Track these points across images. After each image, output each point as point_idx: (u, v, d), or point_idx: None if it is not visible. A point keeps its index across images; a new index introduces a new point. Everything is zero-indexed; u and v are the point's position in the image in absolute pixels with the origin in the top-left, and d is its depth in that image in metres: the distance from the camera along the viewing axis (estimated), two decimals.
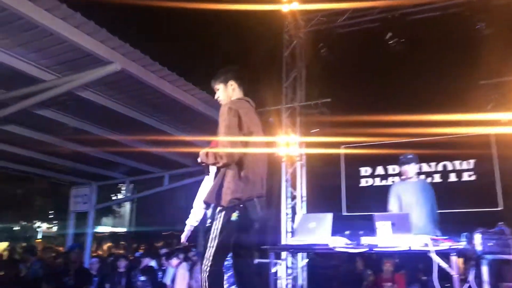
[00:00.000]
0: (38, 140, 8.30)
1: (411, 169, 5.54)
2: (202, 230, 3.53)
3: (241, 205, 3.13)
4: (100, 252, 19.10)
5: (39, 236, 23.99)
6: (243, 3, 7.72)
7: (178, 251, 9.65)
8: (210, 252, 3.07)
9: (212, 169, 3.47)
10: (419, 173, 7.84)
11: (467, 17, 7.07)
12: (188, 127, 8.42)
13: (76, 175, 11.36)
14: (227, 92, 3.46)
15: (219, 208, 3.15)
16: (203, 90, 7.19)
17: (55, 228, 23.50)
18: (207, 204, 3.44)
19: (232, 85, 3.45)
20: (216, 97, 3.47)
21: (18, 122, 7.51)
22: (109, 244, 19.69)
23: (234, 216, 3.12)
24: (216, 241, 3.07)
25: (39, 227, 23.08)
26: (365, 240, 4.69)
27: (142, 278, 8.17)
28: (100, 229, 24.09)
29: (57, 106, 7.02)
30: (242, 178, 3.18)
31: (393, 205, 5.53)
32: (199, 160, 3.28)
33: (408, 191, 5.46)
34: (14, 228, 21.70)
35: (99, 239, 20.76)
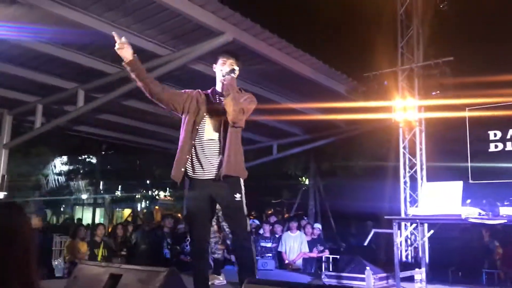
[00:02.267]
0: (154, 113, 8.71)
1: None
2: (228, 204, 3.34)
3: None
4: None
5: (157, 204, 25.90)
6: None
7: (291, 219, 9.75)
8: (249, 223, 3.40)
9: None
10: None
11: None
12: (296, 95, 8.31)
13: None
14: None
15: (242, 181, 3.30)
16: (313, 55, 6.98)
17: (172, 197, 25.12)
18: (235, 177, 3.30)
19: None
20: (235, 73, 3.41)
21: (138, 96, 7.92)
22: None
23: None
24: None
25: (158, 195, 24.82)
26: (504, 210, 4.25)
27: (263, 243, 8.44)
28: None
29: (172, 80, 7.25)
30: None
31: None
32: (234, 118, 3.20)
33: None
34: (136, 196, 23.57)
35: None
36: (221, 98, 3.37)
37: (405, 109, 7.48)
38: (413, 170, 7.61)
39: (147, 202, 24.06)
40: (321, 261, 8.71)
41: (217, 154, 3.29)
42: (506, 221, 4.19)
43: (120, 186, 25.03)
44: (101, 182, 24.71)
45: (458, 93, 7.22)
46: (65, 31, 5.58)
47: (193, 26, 5.71)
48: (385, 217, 4.82)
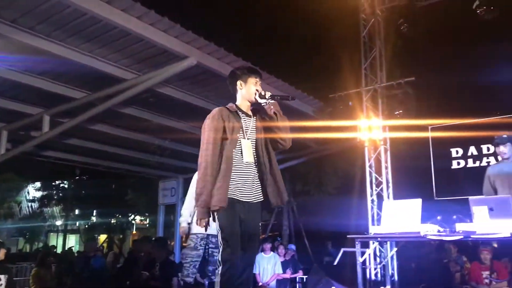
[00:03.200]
0: (124, 137, 8.70)
1: (506, 150, 5.07)
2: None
3: None
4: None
5: (134, 228, 25.50)
6: None
7: (265, 240, 9.71)
8: None
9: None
10: None
11: None
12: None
13: (163, 169, 11.80)
14: None
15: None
16: (278, 78, 7.10)
17: (147, 220, 24.79)
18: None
19: None
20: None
21: (105, 121, 7.91)
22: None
23: None
24: None
25: (133, 220, 24.46)
26: (460, 226, 4.35)
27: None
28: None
29: (139, 103, 7.28)
30: None
31: (485, 189, 5.11)
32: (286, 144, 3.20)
33: (502, 173, 5.00)
34: (111, 222, 23.21)
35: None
36: (249, 117, 3.27)
37: (370, 128, 7.65)
38: (380, 188, 7.74)
39: (123, 227, 23.71)
40: (295, 282, 8.69)
41: (256, 177, 3.18)
42: (462, 237, 4.29)
43: (95, 212, 24.64)
44: (76, 208, 24.31)
45: (421, 112, 7.42)
46: (28, 58, 5.59)
47: (157, 50, 5.78)
48: (348, 236, 4.87)
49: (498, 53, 7.59)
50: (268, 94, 3.20)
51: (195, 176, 4.62)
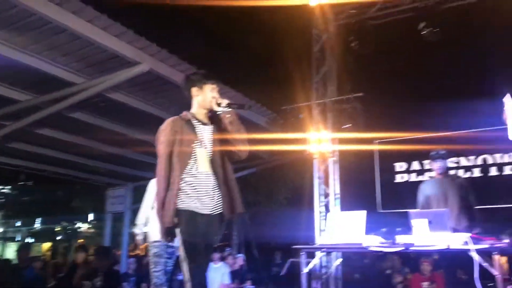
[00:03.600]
0: (73, 142, 8.45)
1: (442, 165, 5.33)
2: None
3: None
4: (138, 252, 19.42)
5: (79, 237, 24.67)
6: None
7: (214, 250, 9.68)
8: None
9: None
10: (458, 168, 7.60)
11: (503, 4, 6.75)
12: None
13: (112, 176, 11.54)
14: None
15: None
16: (232, 88, 7.15)
17: (93, 229, 24.09)
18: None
19: None
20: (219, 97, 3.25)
21: (52, 125, 7.66)
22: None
23: None
24: None
25: (79, 227, 23.71)
26: (401, 238, 4.52)
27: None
28: None
29: (89, 108, 7.11)
30: None
31: (420, 204, 5.35)
32: (241, 154, 3.16)
33: (436, 188, 5.26)
34: (56, 229, 22.40)
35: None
36: (205, 125, 3.19)
37: (319, 141, 7.83)
38: (327, 199, 7.92)
39: (68, 235, 22.91)
40: None
41: (215, 188, 3.08)
42: (402, 248, 4.45)
43: (39, 219, 23.71)
44: (19, 215, 23.30)
45: (368, 126, 7.67)
46: None
47: (109, 55, 5.67)
48: (293, 246, 4.95)
49: (442, 72, 7.97)
50: (224, 102, 3.11)
51: (151, 184, 4.52)
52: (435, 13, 7.21)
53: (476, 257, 3.88)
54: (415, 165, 7.92)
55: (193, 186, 2.99)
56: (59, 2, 4.71)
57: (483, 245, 4.01)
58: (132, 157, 9.62)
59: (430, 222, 4.41)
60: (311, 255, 5.31)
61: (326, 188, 7.96)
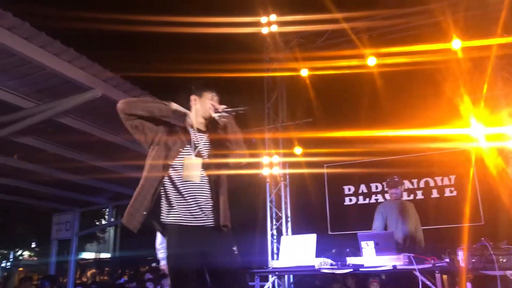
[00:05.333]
0: (17, 167, 8.18)
1: (397, 191, 5.63)
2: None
3: None
4: (84, 279, 18.72)
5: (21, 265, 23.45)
6: (222, 27, 7.80)
7: (164, 277, 9.53)
8: None
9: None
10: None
11: (443, 34, 7.25)
12: None
13: (58, 201, 11.17)
14: None
15: None
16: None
17: (36, 257, 23.00)
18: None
19: None
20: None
21: None
22: (93, 270, 19.33)
23: None
24: None
25: (20, 255, 22.56)
26: (350, 260, 4.70)
27: None
28: (84, 255, 23.66)
29: (37, 133, 6.94)
30: None
31: (376, 224, 5.57)
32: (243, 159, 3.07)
33: (392, 210, 5.52)
34: None
35: (83, 266, 20.36)
36: (201, 133, 3.04)
37: (271, 165, 8.00)
38: (279, 222, 8.06)
39: (7, 263, 21.67)
40: None
41: (207, 198, 2.87)
42: (352, 270, 4.63)
43: None
44: None
45: (318, 151, 7.93)
46: None
47: (60, 80, 5.60)
48: (249, 270, 5.02)
49: (386, 100, 8.36)
50: (221, 108, 3.01)
51: None
52: (379, 43, 7.65)
53: (420, 276, 4.10)
54: (363, 188, 8.24)
55: (185, 197, 2.81)
56: (10, 27, 4.65)
57: (426, 265, 4.25)
58: (79, 182, 9.39)
59: (377, 244, 4.62)
60: (264, 279, 5.39)
61: (278, 211, 8.11)
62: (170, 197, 2.82)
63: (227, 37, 7.99)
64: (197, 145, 2.95)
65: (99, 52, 5.98)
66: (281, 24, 8.21)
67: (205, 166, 2.90)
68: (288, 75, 8.57)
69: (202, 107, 3.06)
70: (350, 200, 8.23)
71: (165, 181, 2.85)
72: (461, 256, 4.51)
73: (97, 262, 23.35)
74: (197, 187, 2.84)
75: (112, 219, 12.97)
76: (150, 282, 9.30)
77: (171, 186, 2.84)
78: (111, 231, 25.99)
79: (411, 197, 7.80)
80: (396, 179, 5.66)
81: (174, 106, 3.01)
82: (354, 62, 7.78)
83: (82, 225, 12.18)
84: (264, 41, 8.55)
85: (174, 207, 2.79)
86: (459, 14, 7.31)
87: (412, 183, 7.83)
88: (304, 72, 8.30)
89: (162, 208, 2.82)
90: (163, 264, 4.75)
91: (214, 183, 2.92)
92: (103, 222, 17.64)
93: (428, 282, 4.14)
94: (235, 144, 3.00)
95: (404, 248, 4.99)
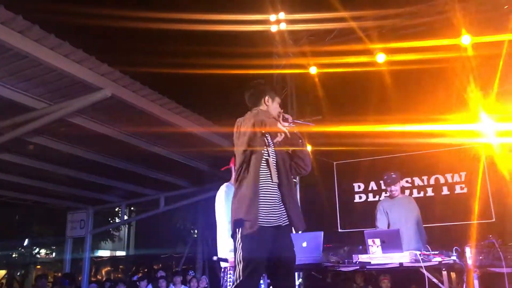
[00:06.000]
0: (32, 167, 8.35)
1: (395, 188, 5.60)
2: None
3: None
4: (99, 277, 18.99)
5: (37, 263, 23.83)
6: (232, 25, 7.84)
7: (176, 274, 9.65)
8: None
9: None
10: (412, 188, 7.94)
11: (453, 29, 7.20)
12: (181, 148, 8.46)
13: (72, 200, 11.36)
14: None
15: None
16: (194, 111, 7.27)
17: (53, 254, 23.35)
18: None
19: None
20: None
21: (12, 150, 7.56)
22: (108, 268, 19.57)
23: None
24: None
25: (37, 253, 22.93)
26: (357, 257, 4.71)
27: None
28: (99, 253, 23.95)
29: (50, 133, 7.08)
30: None
31: (380, 222, 5.56)
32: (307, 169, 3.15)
33: (395, 207, 5.49)
34: (13, 255, 21.55)
35: (98, 263, 20.61)
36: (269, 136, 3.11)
37: None
38: None
39: (25, 262, 22.00)
40: None
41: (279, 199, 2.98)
42: (358, 267, 4.65)
43: None
44: None
45: (327, 148, 7.92)
46: None
47: (70, 81, 5.69)
48: None
49: (396, 97, 8.32)
50: (290, 118, 3.10)
51: (223, 191, 4.17)
52: (388, 40, 7.62)
53: (426, 273, 4.11)
54: (373, 185, 8.22)
55: (263, 196, 2.88)
56: (21, 30, 4.75)
57: (432, 262, 4.24)
58: (92, 180, 9.55)
59: (383, 242, 4.63)
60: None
61: None
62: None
63: (237, 35, 8.03)
64: (268, 146, 3.06)
65: (108, 53, 6.05)
66: (290, 22, 8.23)
67: (276, 168, 3.01)
68: (297, 72, 8.57)
69: (273, 110, 3.13)
70: (360, 197, 8.21)
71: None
72: (469, 254, 4.49)
73: (112, 260, 23.61)
74: (273, 188, 2.98)
75: (126, 217, 13.09)
76: (163, 279, 9.41)
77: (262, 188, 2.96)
78: (125, 229, 26.27)
79: (421, 194, 7.76)
80: (394, 176, 5.63)
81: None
82: (363, 59, 7.76)
83: (95, 223, 12.35)
84: (273, 39, 8.56)
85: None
86: (470, 10, 7.24)
87: (422, 180, 7.78)
88: (313, 70, 8.31)
89: None
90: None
91: (285, 185, 3.03)
92: (117, 220, 17.85)
93: (434, 280, 4.14)
94: (306, 156, 3.13)
95: (410, 245, 4.99)
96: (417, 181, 7.83)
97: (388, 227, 5.43)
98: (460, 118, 6.72)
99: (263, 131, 2.95)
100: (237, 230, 2.84)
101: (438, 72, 7.60)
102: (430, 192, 7.77)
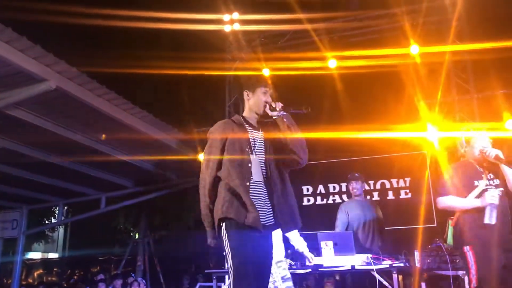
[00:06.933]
0: None
1: (358, 186, 5.65)
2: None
3: None
4: (30, 280, 17.97)
5: None
6: (184, 23, 7.68)
7: (116, 277, 9.30)
8: None
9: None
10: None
11: (403, 39, 7.44)
12: (126, 147, 8.16)
13: (4, 198, 10.64)
14: None
15: None
16: (143, 108, 7.03)
17: None
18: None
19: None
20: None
21: None
22: (40, 271, 18.58)
23: None
24: None
25: None
26: (315, 260, 4.71)
27: None
28: (30, 255, 22.72)
29: None
30: None
31: (339, 221, 5.57)
32: (302, 159, 2.92)
33: (356, 209, 5.54)
34: None
35: (30, 266, 19.52)
36: (257, 130, 2.96)
37: None
38: None
39: None
40: None
41: (268, 197, 2.82)
42: (311, 270, 4.65)
43: None
44: None
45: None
46: None
47: (12, 70, 5.29)
48: (205, 271, 4.94)
49: (345, 102, 8.47)
50: (279, 106, 2.92)
51: None
52: (340, 45, 7.76)
53: (377, 276, 4.17)
54: (321, 189, 8.31)
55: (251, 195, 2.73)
56: None
57: (383, 265, 4.32)
58: (28, 177, 8.97)
59: (336, 244, 4.66)
60: (221, 279, 5.32)
61: None
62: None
63: (190, 34, 7.87)
64: (253, 144, 2.88)
65: (54, 43, 5.71)
66: (244, 22, 8.19)
67: (264, 166, 2.86)
68: (249, 74, 8.52)
69: (255, 103, 2.99)
70: (308, 200, 8.28)
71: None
72: (417, 257, 4.61)
73: (45, 262, 22.43)
74: (257, 186, 2.81)
75: (63, 217, 12.46)
76: (102, 282, 9.03)
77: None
78: (60, 230, 25.09)
79: (367, 198, 7.90)
80: (357, 175, 5.72)
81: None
82: (315, 64, 7.85)
83: (30, 224, 11.67)
84: (226, 40, 8.48)
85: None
86: (418, 20, 7.51)
87: (369, 185, 7.94)
88: (266, 72, 8.29)
89: None
90: None
91: (274, 182, 2.86)
92: (53, 220, 16.98)
93: (385, 282, 4.21)
94: (298, 146, 2.91)
95: (364, 248, 5.05)
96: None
97: (347, 227, 5.45)
98: (408, 126, 6.92)
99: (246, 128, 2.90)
100: (221, 228, 2.74)
101: (389, 80, 7.82)
102: (376, 197, 7.96)
